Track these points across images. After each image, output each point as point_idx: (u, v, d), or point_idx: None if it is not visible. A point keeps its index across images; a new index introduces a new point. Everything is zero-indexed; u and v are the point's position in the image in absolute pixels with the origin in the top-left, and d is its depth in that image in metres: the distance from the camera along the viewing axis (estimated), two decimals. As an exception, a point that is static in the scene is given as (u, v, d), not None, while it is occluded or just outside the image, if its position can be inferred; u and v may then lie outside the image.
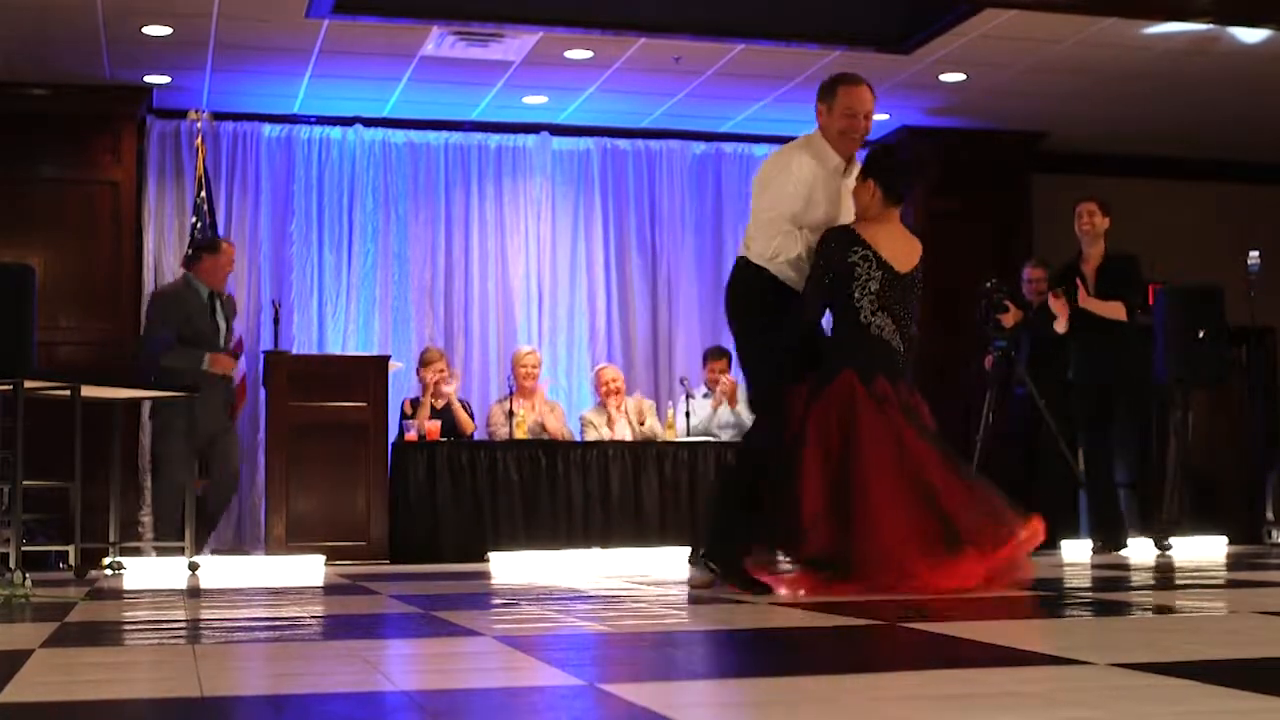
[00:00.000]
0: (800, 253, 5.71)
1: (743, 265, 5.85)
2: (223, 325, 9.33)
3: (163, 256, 10.90)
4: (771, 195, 5.80)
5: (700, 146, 12.13)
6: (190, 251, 9.61)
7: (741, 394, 10.74)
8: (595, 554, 9.34)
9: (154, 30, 9.45)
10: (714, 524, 5.99)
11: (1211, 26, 9.70)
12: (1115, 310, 8.87)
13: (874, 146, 6.08)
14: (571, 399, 11.34)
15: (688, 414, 10.61)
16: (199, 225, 10.26)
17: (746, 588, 5.59)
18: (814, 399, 5.64)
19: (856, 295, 5.68)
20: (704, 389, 10.91)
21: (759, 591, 5.53)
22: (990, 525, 5.42)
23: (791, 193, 5.74)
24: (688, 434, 10.55)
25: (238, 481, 9.65)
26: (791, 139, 12.23)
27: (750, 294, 5.83)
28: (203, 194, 10.30)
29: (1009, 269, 10.72)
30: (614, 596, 5.62)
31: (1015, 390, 9.99)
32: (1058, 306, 8.89)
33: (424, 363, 10.41)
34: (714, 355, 10.95)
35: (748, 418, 10.60)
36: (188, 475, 8.52)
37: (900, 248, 5.80)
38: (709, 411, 10.72)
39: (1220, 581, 6.34)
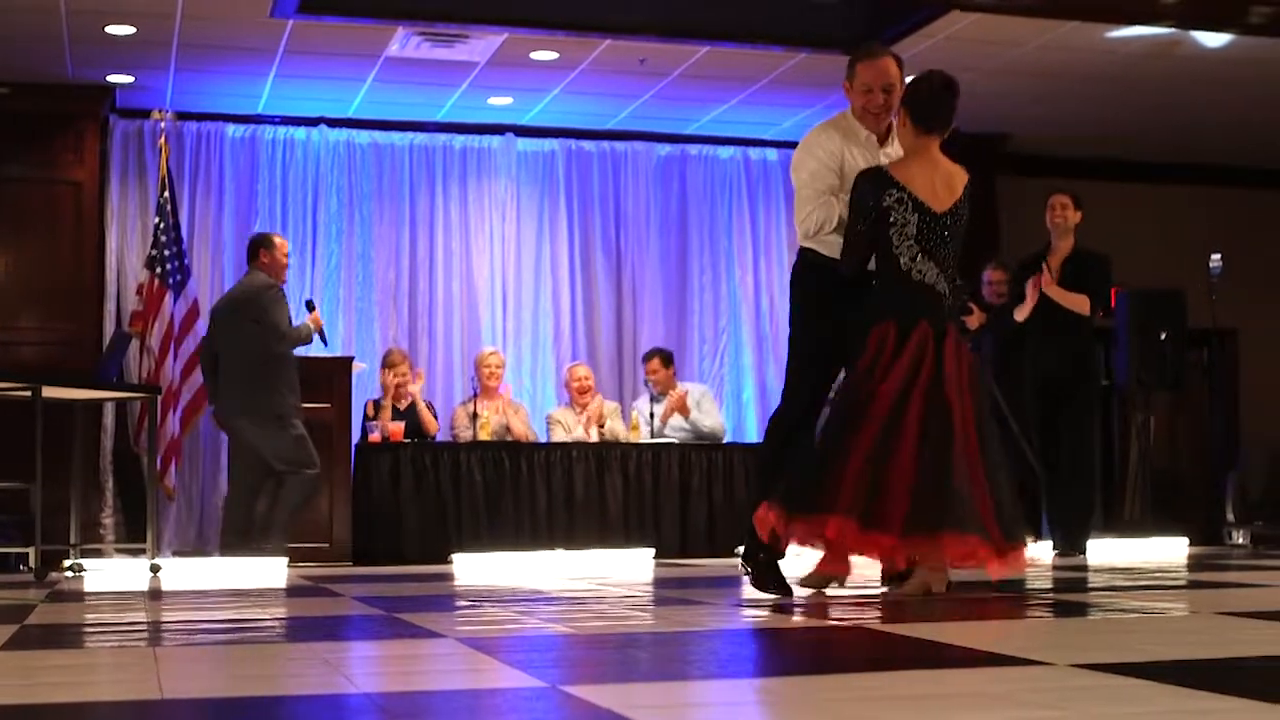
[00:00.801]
0: (840, 212, 5.54)
1: (799, 255, 5.78)
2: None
3: (125, 257, 10.84)
4: (803, 174, 5.68)
5: (665, 148, 12.13)
6: (249, 248, 9.50)
7: (692, 401, 10.78)
8: (559, 555, 9.34)
9: (117, 29, 9.40)
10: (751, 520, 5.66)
11: (1173, 31, 9.75)
12: (1079, 303, 8.72)
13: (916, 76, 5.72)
14: (536, 400, 11.33)
15: (652, 415, 10.62)
16: (162, 226, 10.21)
17: (777, 588, 5.50)
18: (860, 353, 5.38)
19: (895, 241, 5.39)
20: (653, 391, 10.92)
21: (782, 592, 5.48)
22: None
23: (818, 168, 5.62)
24: (652, 435, 10.55)
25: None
26: (757, 141, 12.34)
27: (796, 282, 5.76)
28: (166, 194, 10.24)
29: (972, 271, 10.74)
30: (577, 598, 5.61)
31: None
32: (1030, 293, 8.76)
33: (387, 364, 10.40)
34: (648, 357, 11.01)
35: (705, 423, 10.66)
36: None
37: (938, 184, 5.48)
38: (658, 413, 10.72)
39: (1181, 582, 6.38)
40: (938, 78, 5.60)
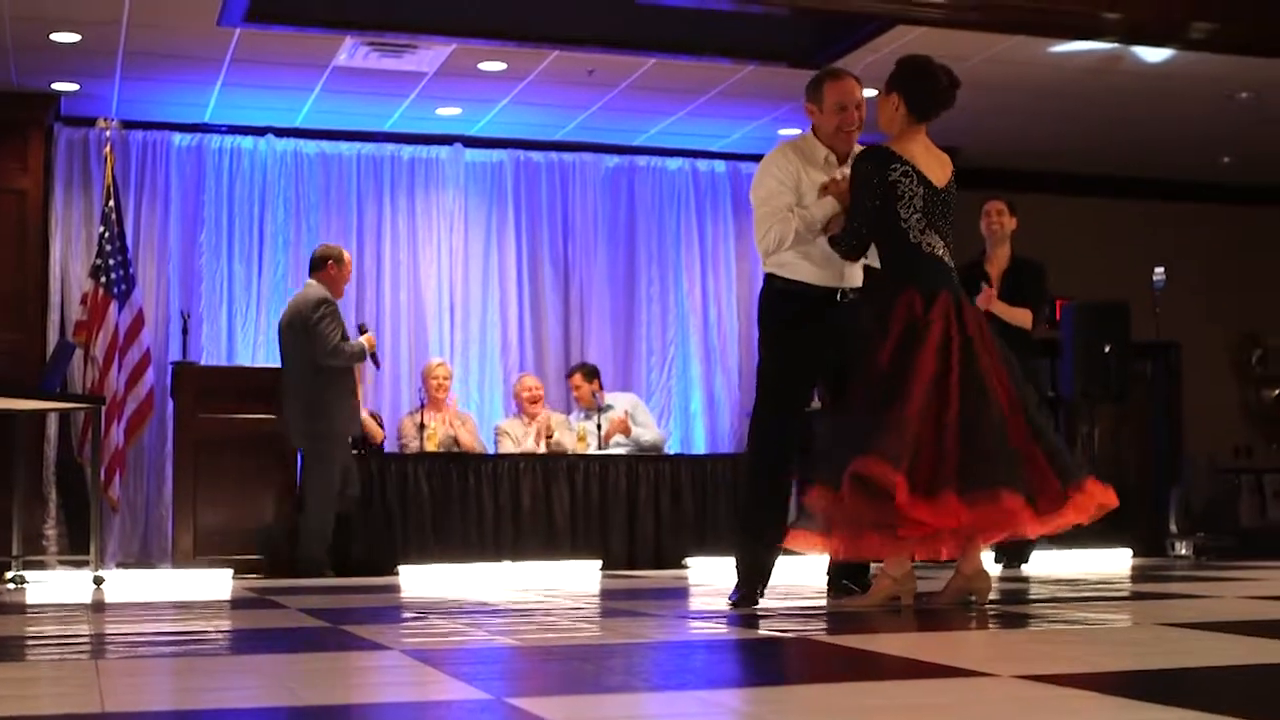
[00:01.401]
0: (797, 229, 5.57)
1: (764, 281, 5.81)
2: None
3: (70, 266, 10.76)
4: (761, 193, 5.72)
5: (614, 159, 12.14)
6: (315, 259, 9.53)
7: (632, 423, 10.79)
8: (506, 567, 9.32)
9: (62, 37, 9.34)
10: (747, 543, 5.70)
11: (1116, 46, 9.83)
12: (1022, 318, 8.36)
13: (907, 57, 5.77)
14: (483, 411, 11.31)
15: (599, 426, 10.62)
16: (107, 235, 10.14)
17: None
18: (883, 336, 5.31)
19: (903, 214, 5.39)
20: (580, 410, 10.91)
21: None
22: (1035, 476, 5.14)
23: (775, 186, 5.66)
24: (599, 446, 10.55)
25: (352, 500, 9.47)
26: (705, 153, 12.36)
27: (763, 309, 5.80)
28: (111, 203, 10.17)
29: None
30: (524, 610, 5.61)
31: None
32: (982, 302, 8.35)
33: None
34: (570, 373, 11.07)
35: (645, 437, 10.67)
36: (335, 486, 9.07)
37: (933, 163, 5.56)
38: (589, 428, 10.72)
39: (1124, 594, 6.42)
40: (945, 74, 5.61)
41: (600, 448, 10.54)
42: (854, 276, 5.71)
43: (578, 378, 10.88)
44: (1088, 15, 9.13)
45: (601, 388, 10.92)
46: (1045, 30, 9.45)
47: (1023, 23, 9.23)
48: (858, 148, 5.76)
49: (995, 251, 8.60)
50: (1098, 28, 9.36)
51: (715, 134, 11.65)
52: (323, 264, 9.37)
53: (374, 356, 9.38)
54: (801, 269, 5.64)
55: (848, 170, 5.67)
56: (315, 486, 9.08)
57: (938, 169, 5.56)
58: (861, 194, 5.45)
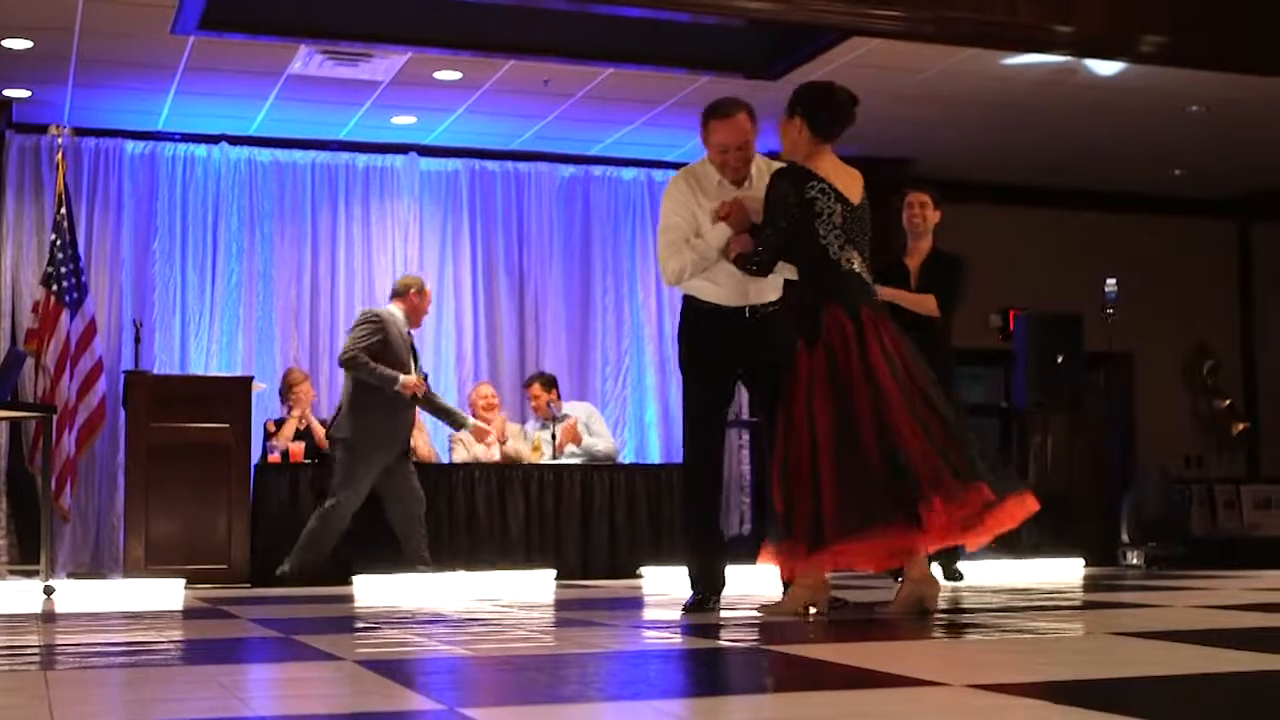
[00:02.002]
0: (693, 259, 5.72)
1: (683, 303, 5.98)
2: (412, 365, 9.38)
3: (21, 274, 10.69)
4: (662, 224, 5.91)
5: (569, 169, 12.14)
6: (398, 285, 9.65)
7: (581, 426, 10.79)
8: (460, 577, 9.29)
9: (14, 43, 9.28)
10: (692, 553, 5.91)
11: (1069, 59, 9.90)
12: (924, 303, 7.86)
13: (805, 84, 5.86)
14: (437, 421, 11.26)
15: (553, 436, 10.61)
16: (59, 242, 10.06)
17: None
18: (811, 356, 5.40)
19: (822, 232, 5.45)
20: (537, 419, 10.89)
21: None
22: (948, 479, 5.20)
23: (672, 219, 5.82)
24: (554, 455, 10.54)
25: (422, 516, 9.45)
26: (660, 163, 12.39)
27: (682, 330, 5.98)
28: (63, 211, 10.10)
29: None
30: (478, 620, 5.60)
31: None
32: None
33: (288, 384, 10.32)
34: (528, 383, 11.04)
35: (599, 447, 10.67)
36: (356, 499, 9.20)
37: (846, 180, 5.60)
38: (545, 437, 10.71)
39: (1076, 603, 6.45)
40: (843, 94, 5.70)
41: (554, 457, 10.53)
42: (762, 293, 5.83)
43: (536, 387, 10.86)
44: (1041, 28, 9.19)
45: (559, 397, 10.91)
46: (999, 43, 9.51)
47: (977, 35, 9.28)
48: (766, 166, 5.86)
49: (916, 244, 8.17)
50: (1051, 41, 9.42)
51: (671, 144, 11.66)
52: (405, 291, 9.50)
53: (416, 398, 9.30)
54: (707, 290, 5.82)
55: (742, 192, 5.78)
56: (330, 492, 9.28)
57: (852, 186, 5.63)
58: (776, 212, 5.52)
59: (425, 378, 9.55)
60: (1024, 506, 5.38)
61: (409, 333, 9.45)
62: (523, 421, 11.17)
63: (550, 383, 10.91)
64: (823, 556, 5.25)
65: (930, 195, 8.20)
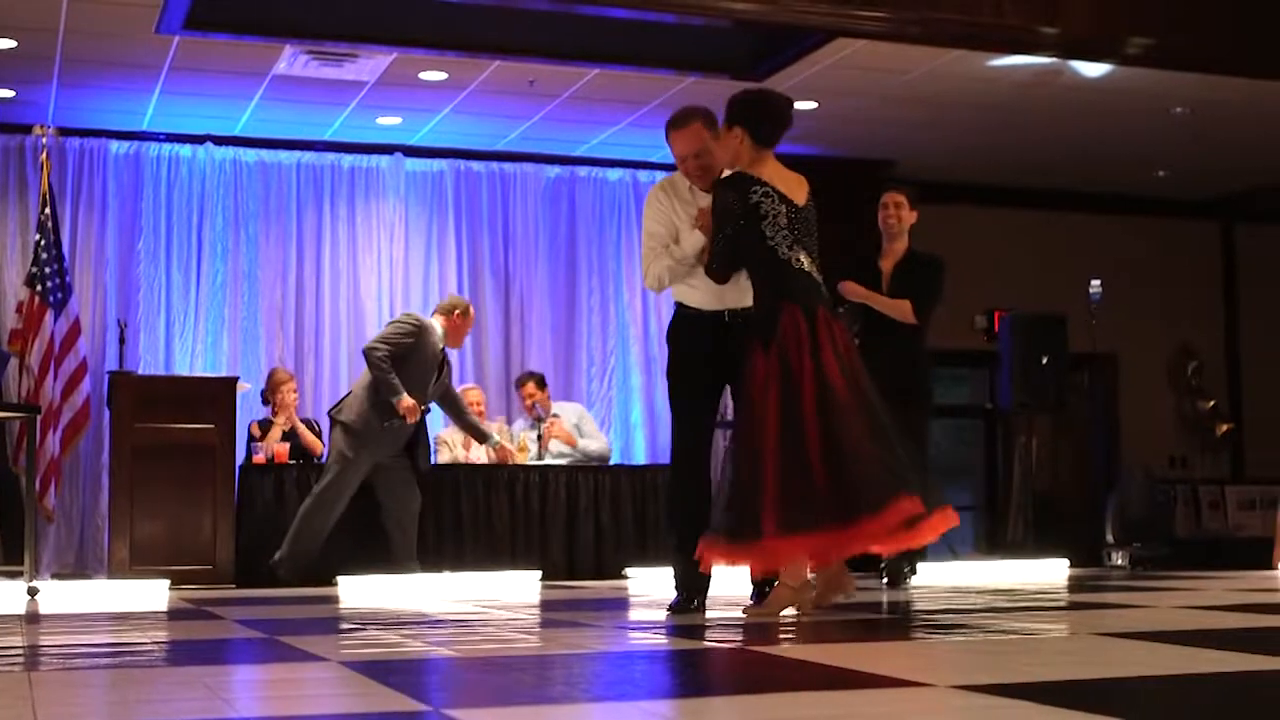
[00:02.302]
0: (670, 266, 5.90)
1: (675, 309, 6.10)
2: (433, 379, 9.37)
3: (5, 275, 10.67)
4: (644, 234, 6.10)
5: (554, 170, 12.14)
6: (444, 303, 9.70)
7: (570, 426, 10.79)
8: (445, 578, 9.29)
9: (-2, 43, 9.28)
10: (677, 554, 5.93)
11: (1054, 61, 9.92)
12: (900, 309, 7.65)
13: (740, 94, 5.94)
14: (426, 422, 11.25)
15: (539, 437, 10.61)
16: (43, 243, 10.04)
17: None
18: (766, 355, 5.47)
19: (769, 233, 5.55)
20: (528, 419, 10.88)
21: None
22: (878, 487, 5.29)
23: (653, 228, 6.00)
24: (539, 456, 10.54)
25: (415, 516, 9.51)
26: (646, 164, 12.38)
27: (670, 335, 6.12)
28: (47, 211, 10.08)
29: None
30: (463, 621, 5.59)
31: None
32: (846, 291, 7.67)
33: (273, 385, 10.30)
34: (521, 382, 11.01)
35: (591, 447, 10.66)
36: (336, 506, 9.22)
37: (790, 183, 5.70)
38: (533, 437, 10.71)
39: (1061, 603, 6.46)
40: (777, 101, 5.85)
41: (539, 457, 10.53)
42: (738, 299, 5.89)
43: (532, 386, 10.84)
44: (1026, 30, 9.21)
45: (549, 397, 10.92)
46: (984, 44, 9.52)
47: (962, 36, 9.30)
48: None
49: (891, 245, 7.89)
50: (1036, 42, 9.44)
51: (656, 144, 11.61)
52: (450, 310, 9.53)
53: (405, 415, 9.24)
54: (688, 295, 5.99)
55: (706, 200, 5.88)
56: (321, 475, 9.39)
57: (796, 189, 5.73)
58: (723, 219, 5.64)
59: (447, 395, 9.61)
60: (946, 520, 5.48)
61: (443, 350, 9.46)
62: (509, 422, 11.16)
63: (542, 382, 10.91)
64: (758, 552, 5.34)
65: (906, 195, 7.93)
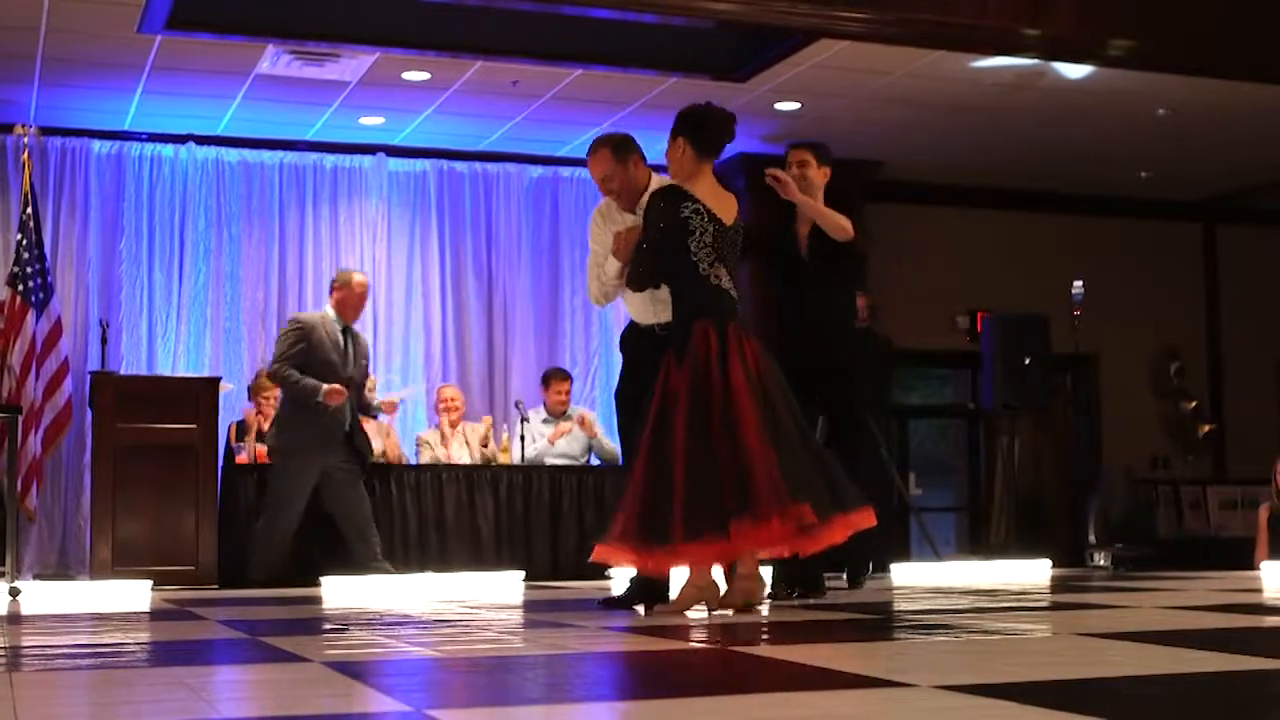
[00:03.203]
0: (599, 283, 6.23)
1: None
2: (351, 359, 9.28)
3: (-14, 274, 10.65)
4: (589, 254, 6.42)
5: (538, 170, 12.14)
6: (332, 281, 9.65)
7: (593, 417, 10.80)
8: (429, 578, 9.28)
9: (-21, 42, 9.25)
10: None
11: (1036, 62, 9.94)
12: (839, 221, 6.75)
13: (687, 107, 6.09)
14: (406, 422, 11.25)
15: (522, 437, 10.60)
16: (24, 242, 10.02)
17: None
18: (678, 363, 5.66)
19: (693, 248, 5.73)
20: (544, 413, 10.86)
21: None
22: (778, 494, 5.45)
23: (593, 248, 6.33)
24: (523, 458, 10.53)
25: (371, 523, 9.39)
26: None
27: (621, 344, 6.42)
28: (29, 210, 10.06)
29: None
30: (446, 621, 5.59)
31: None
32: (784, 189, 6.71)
33: (257, 386, 10.27)
34: (558, 377, 10.94)
35: (607, 445, 10.65)
36: (290, 508, 9.13)
37: (721, 202, 5.87)
38: (546, 436, 10.68)
39: (1043, 604, 6.47)
40: (719, 112, 5.99)
41: (540, 450, 10.56)
42: (668, 313, 6.05)
43: (569, 384, 10.88)
44: (1009, 31, 9.22)
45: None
46: (966, 45, 9.54)
47: (944, 38, 9.31)
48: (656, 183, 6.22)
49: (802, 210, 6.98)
50: (1018, 44, 9.46)
51: (640, 145, 11.64)
52: (334, 285, 9.50)
53: (326, 405, 9.17)
54: (632, 308, 6.28)
55: (635, 219, 6.12)
56: (264, 505, 9.37)
57: (726, 208, 5.88)
58: (652, 230, 5.84)
59: (369, 376, 9.55)
60: (849, 524, 5.64)
61: (347, 328, 9.37)
62: (500, 422, 11.14)
63: (566, 376, 11.00)
64: (666, 556, 5.53)
65: (813, 153, 7.06)
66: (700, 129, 5.90)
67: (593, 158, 6.24)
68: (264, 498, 9.38)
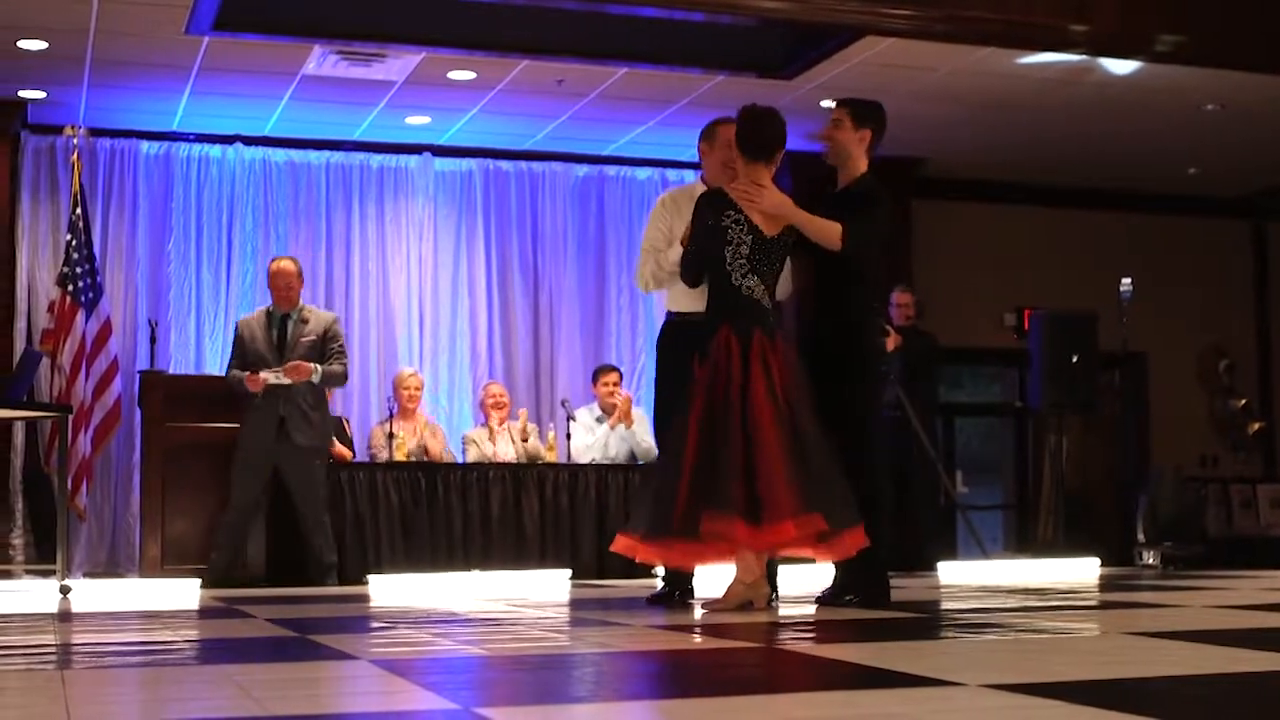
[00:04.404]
0: (654, 271, 6.29)
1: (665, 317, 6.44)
2: (289, 345, 9.22)
3: (37, 275, 10.72)
4: (644, 239, 6.45)
5: (583, 169, 12.15)
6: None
7: (637, 414, 10.78)
8: (475, 576, 9.30)
9: (30, 44, 9.30)
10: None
11: (1084, 58, 9.88)
12: (826, 232, 5.92)
13: (740, 108, 6.02)
14: (452, 420, 11.28)
15: (569, 436, 10.60)
16: (74, 243, 10.09)
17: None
18: (702, 367, 5.73)
19: (728, 258, 5.77)
20: (598, 411, 10.84)
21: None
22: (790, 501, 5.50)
23: (652, 233, 6.35)
24: (568, 456, 10.53)
25: (315, 514, 9.21)
26: (674, 162, 12.36)
27: (659, 342, 6.45)
28: (78, 211, 10.12)
29: (887, 294, 10.81)
30: (493, 619, 5.60)
31: (882, 412, 10.03)
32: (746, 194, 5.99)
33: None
34: (605, 370, 10.92)
35: (641, 439, 10.62)
36: (237, 503, 9.03)
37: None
38: (604, 430, 10.64)
39: (1092, 603, 6.44)
40: (762, 111, 5.93)
41: (581, 446, 10.55)
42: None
43: (616, 376, 10.85)
44: (1056, 27, 9.18)
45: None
46: (1013, 42, 9.49)
47: (991, 34, 9.27)
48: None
49: (842, 175, 6.34)
50: (1066, 40, 9.41)
51: (685, 144, 11.63)
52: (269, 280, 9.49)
53: (250, 394, 9.17)
54: (676, 300, 6.31)
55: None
56: None
57: (772, 218, 5.84)
58: (695, 233, 5.90)
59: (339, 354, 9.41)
60: (855, 542, 5.64)
61: (286, 316, 9.29)
62: (537, 421, 11.15)
63: (612, 370, 10.99)
64: (669, 550, 5.66)
65: (849, 111, 6.30)
66: (747, 134, 5.88)
67: (719, 139, 6.20)
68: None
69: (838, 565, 6.11)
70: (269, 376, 9.08)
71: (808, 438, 5.62)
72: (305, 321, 9.30)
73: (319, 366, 9.14)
